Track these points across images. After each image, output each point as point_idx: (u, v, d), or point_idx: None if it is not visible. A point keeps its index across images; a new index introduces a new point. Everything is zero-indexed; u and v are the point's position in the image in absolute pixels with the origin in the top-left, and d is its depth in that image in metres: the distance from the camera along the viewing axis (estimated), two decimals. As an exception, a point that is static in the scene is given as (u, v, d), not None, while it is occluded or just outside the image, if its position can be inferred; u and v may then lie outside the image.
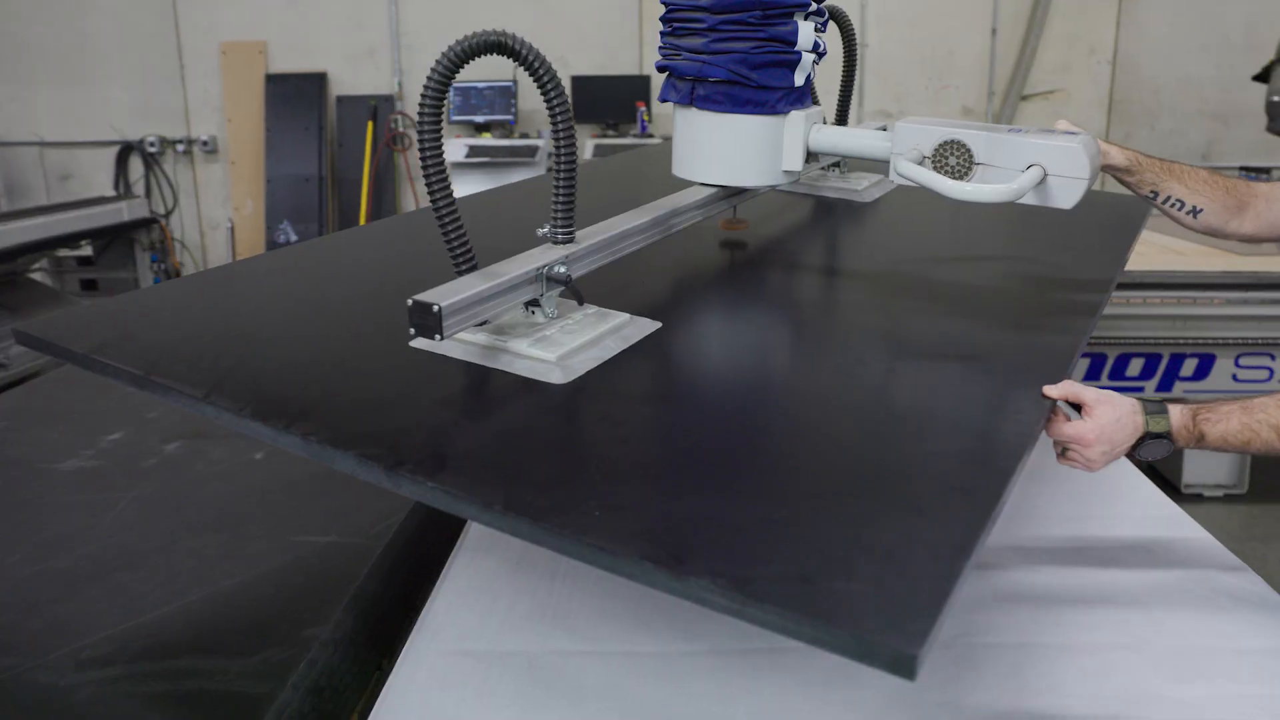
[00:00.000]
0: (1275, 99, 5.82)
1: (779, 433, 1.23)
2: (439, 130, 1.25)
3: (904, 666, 0.79)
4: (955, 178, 1.60)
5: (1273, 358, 4.29)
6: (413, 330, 1.22)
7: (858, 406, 1.33)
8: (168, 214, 7.21)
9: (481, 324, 1.31)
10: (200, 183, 7.38)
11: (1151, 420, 1.42)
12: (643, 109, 6.82)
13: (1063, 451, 1.46)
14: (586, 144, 6.71)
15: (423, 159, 1.26)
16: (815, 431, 1.25)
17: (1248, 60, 6.95)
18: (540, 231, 1.43)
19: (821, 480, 1.10)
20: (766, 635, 1.51)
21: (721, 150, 1.70)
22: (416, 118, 1.28)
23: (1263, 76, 5.96)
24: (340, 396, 1.22)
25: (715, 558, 0.90)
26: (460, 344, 1.30)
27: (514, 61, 1.28)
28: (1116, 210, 2.40)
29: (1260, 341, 4.25)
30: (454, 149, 6.63)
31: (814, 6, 1.67)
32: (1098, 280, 1.90)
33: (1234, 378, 4.31)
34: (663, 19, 1.70)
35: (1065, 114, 7.17)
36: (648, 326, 1.43)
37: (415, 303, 1.21)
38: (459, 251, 1.31)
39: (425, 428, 1.15)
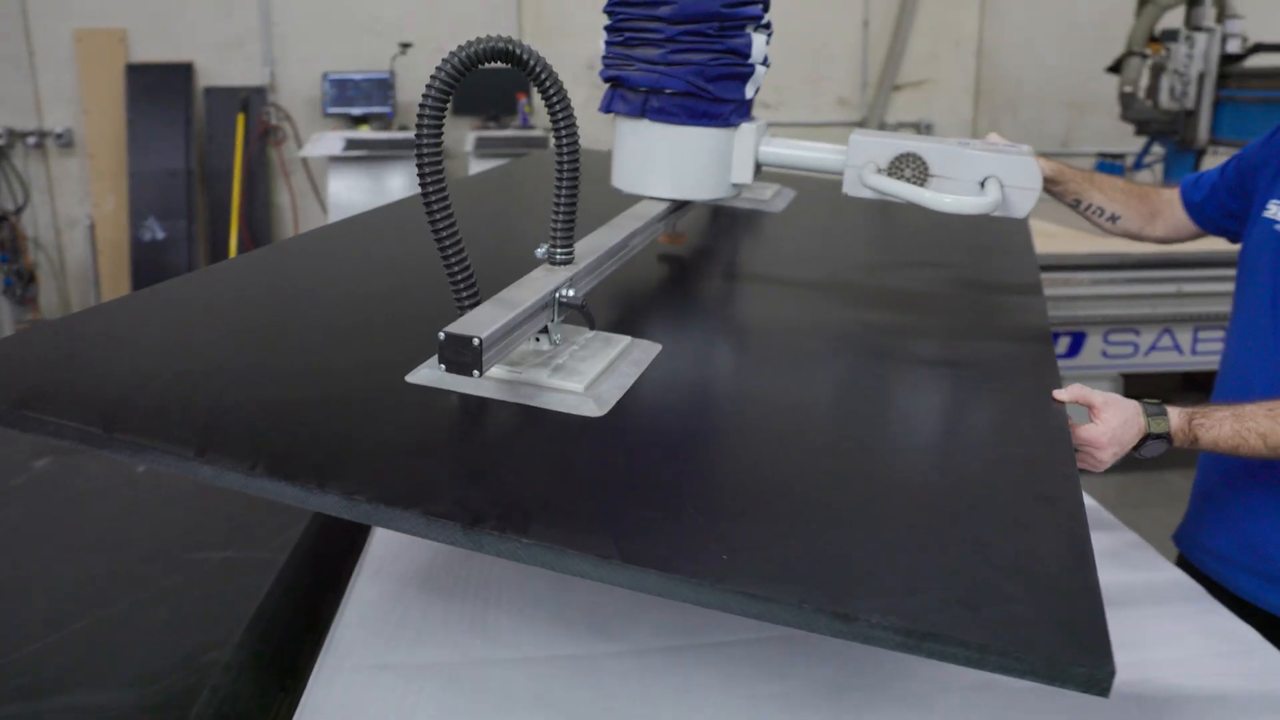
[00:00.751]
0: (1127, 89, 6.10)
1: (839, 454, 1.18)
2: (439, 148, 1.17)
3: (1100, 685, 0.80)
4: None
5: (1137, 333, 4.57)
6: (444, 366, 1.12)
7: (892, 420, 1.31)
8: (18, 211, 6.77)
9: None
10: (55, 178, 6.95)
11: (1153, 422, 1.49)
12: (523, 101, 6.72)
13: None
14: (468, 136, 6.59)
15: (421, 179, 1.17)
16: (868, 450, 1.21)
17: (1100, 52, 7.27)
18: (539, 252, 1.38)
19: (909, 500, 1.07)
20: (688, 632, 1.48)
21: (674, 163, 1.67)
22: (415, 134, 1.17)
23: (1115, 68, 6.23)
24: (359, 443, 1.10)
25: (873, 595, 0.87)
26: (469, 377, 1.20)
27: (522, 71, 1.23)
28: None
29: (1126, 319, 4.51)
30: (330, 142, 6.42)
31: (765, 19, 1.65)
32: (1027, 283, 1.96)
33: (1103, 354, 4.54)
34: (611, 29, 1.65)
35: (934, 103, 7.39)
36: (651, 349, 1.38)
37: (450, 336, 1.10)
38: (463, 281, 1.22)
39: (478, 475, 1.04)
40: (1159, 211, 1.99)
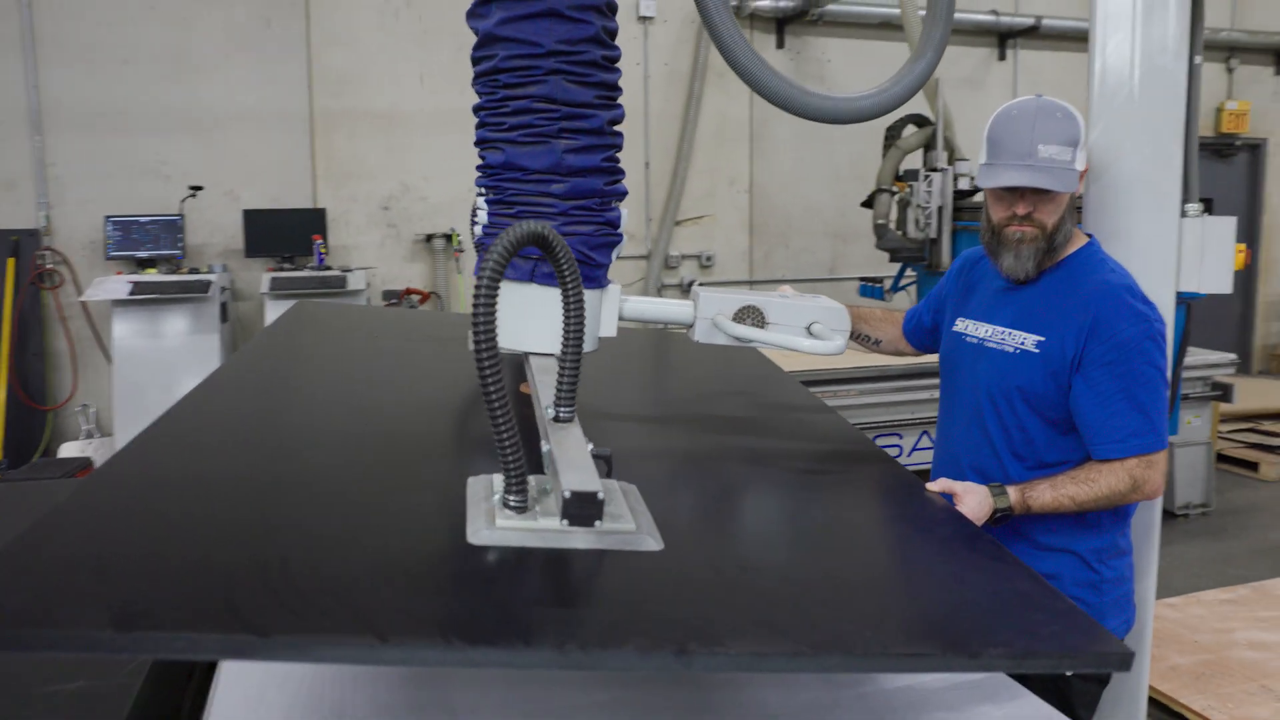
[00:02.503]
0: (880, 222, 6.71)
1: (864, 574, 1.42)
2: (494, 342, 1.22)
3: (1123, 661, 1.16)
4: None
5: (900, 436, 5.08)
6: (567, 520, 1.23)
7: (849, 523, 1.58)
8: None
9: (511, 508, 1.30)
10: None
11: (998, 499, 1.91)
12: (319, 242, 6.69)
13: None
14: (262, 277, 6.48)
15: (479, 362, 1.22)
16: (848, 550, 1.49)
17: (856, 189, 7.97)
18: (547, 410, 1.46)
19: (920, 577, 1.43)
20: (547, 705, 1.48)
21: (555, 321, 1.78)
22: (471, 332, 1.22)
23: (868, 203, 6.85)
24: (494, 602, 1.11)
25: (972, 641, 1.19)
26: (519, 531, 1.26)
27: (548, 254, 1.32)
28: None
29: (891, 424, 5.09)
30: (115, 286, 6.15)
31: (625, 194, 1.82)
32: (812, 404, 2.36)
33: (914, 448, 5.04)
34: (498, 201, 1.76)
35: (713, 236, 7.85)
36: (627, 487, 1.47)
37: (575, 494, 1.22)
38: (513, 457, 1.27)
39: (636, 611, 1.14)
40: (899, 337, 2.45)
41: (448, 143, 7.19)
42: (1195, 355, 5.48)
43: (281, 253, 6.75)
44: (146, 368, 6.23)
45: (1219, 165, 9.69)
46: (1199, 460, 5.80)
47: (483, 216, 1.79)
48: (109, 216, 6.47)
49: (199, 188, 6.58)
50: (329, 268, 6.71)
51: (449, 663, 1.03)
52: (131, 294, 6.12)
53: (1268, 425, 6.81)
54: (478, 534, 1.26)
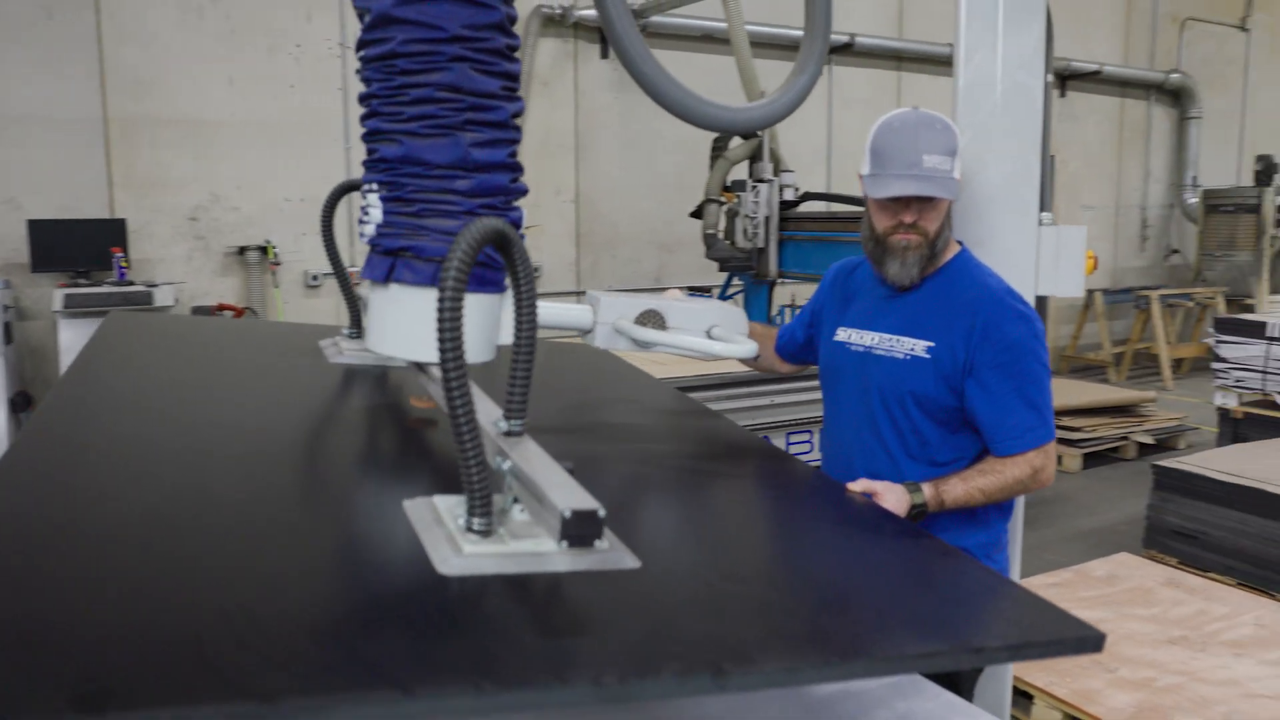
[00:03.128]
0: (709, 231, 6.76)
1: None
2: (462, 358, 1.12)
3: (1097, 643, 1.21)
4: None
5: (811, 433, 5.11)
6: (567, 542, 1.12)
7: (796, 541, 1.53)
8: None
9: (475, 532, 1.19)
10: None
11: (915, 496, 1.95)
12: (119, 255, 6.16)
13: None
14: (53, 294, 5.91)
15: (446, 380, 1.12)
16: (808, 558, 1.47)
17: (681, 199, 8.01)
18: (500, 424, 1.33)
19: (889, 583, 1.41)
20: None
21: (467, 329, 1.62)
22: (438, 347, 1.11)
23: (697, 213, 6.89)
24: (502, 637, 1.01)
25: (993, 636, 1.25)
26: (493, 558, 1.15)
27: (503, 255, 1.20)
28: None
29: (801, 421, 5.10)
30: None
31: (526, 191, 1.70)
32: (694, 408, 2.36)
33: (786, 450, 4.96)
34: (395, 199, 1.58)
35: (540, 247, 7.72)
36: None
37: (576, 514, 1.12)
38: (479, 478, 1.17)
39: (654, 634, 1.08)
40: (774, 355, 2.46)
41: (261, 150, 6.79)
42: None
43: (75, 267, 6.18)
44: (-81, 393, 5.61)
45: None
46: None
47: (376, 215, 1.60)
48: None
49: (-21, 197, 5.96)
50: (131, 282, 6.19)
51: (482, 710, 0.91)
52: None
53: (1066, 421, 7.22)
54: (446, 563, 1.14)
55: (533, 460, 1.25)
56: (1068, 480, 6.69)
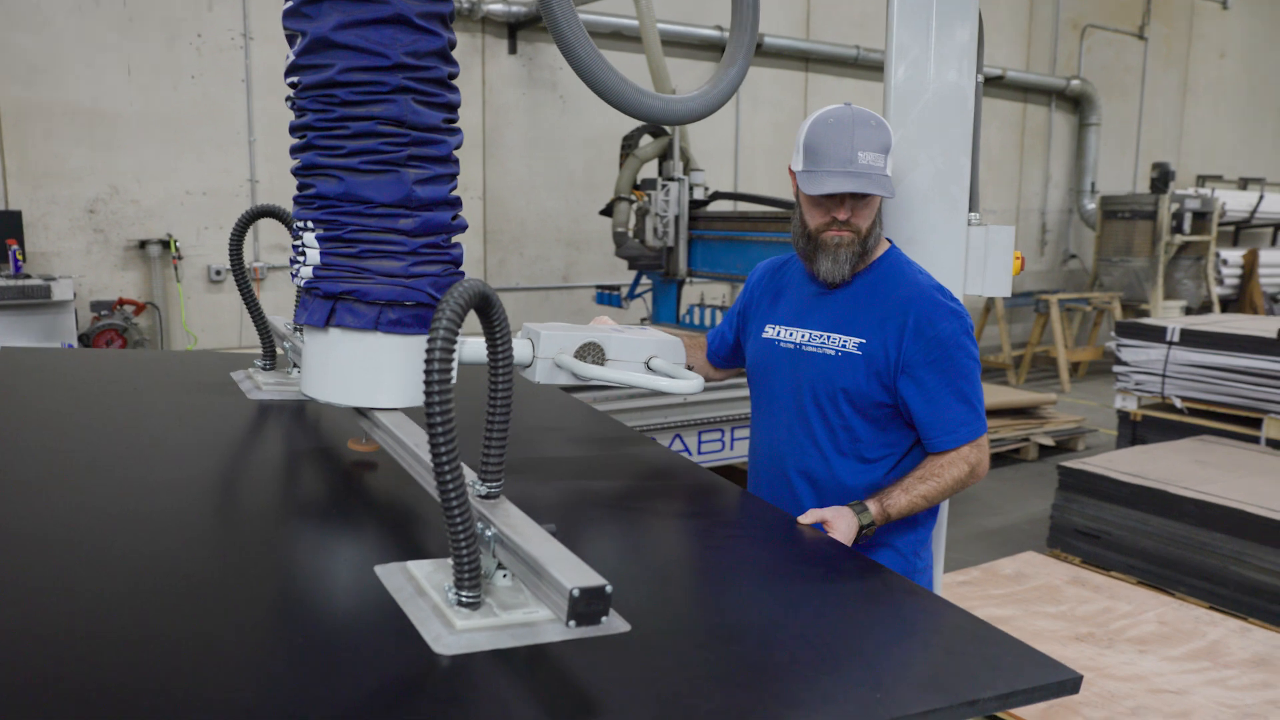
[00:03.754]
0: (619, 229, 6.73)
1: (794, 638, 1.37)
2: (452, 429, 1.09)
3: (1075, 685, 1.26)
4: None
5: (723, 431, 5.06)
6: (574, 621, 1.05)
7: (768, 592, 1.50)
8: None
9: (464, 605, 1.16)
10: None
11: (862, 517, 1.93)
12: (14, 247, 5.86)
13: None
14: (-57, 288, 5.59)
15: (436, 453, 1.09)
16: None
17: (589, 198, 7.96)
18: (476, 487, 1.27)
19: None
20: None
21: (404, 372, 1.57)
22: (425, 397, 1.08)
23: (607, 211, 6.86)
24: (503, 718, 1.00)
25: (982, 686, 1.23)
26: (487, 632, 1.13)
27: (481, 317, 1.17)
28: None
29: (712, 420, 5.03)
30: None
31: (466, 227, 1.65)
32: (626, 434, 2.34)
33: (699, 449, 4.99)
34: (333, 239, 1.52)
35: (449, 243, 7.58)
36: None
37: (584, 591, 1.04)
38: (468, 553, 1.15)
39: (666, 712, 1.07)
40: (706, 363, 2.43)
41: (161, 142, 6.53)
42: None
43: (-34, 261, 5.87)
44: None
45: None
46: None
47: (313, 256, 1.53)
48: None
49: None
50: (29, 275, 5.89)
51: None
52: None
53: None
54: (439, 640, 1.11)
55: (517, 526, 1.21)
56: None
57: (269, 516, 1.56)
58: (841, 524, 1.89)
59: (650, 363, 1.88)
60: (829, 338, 2.08)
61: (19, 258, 5.87)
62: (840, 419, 2.06)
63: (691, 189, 6.56)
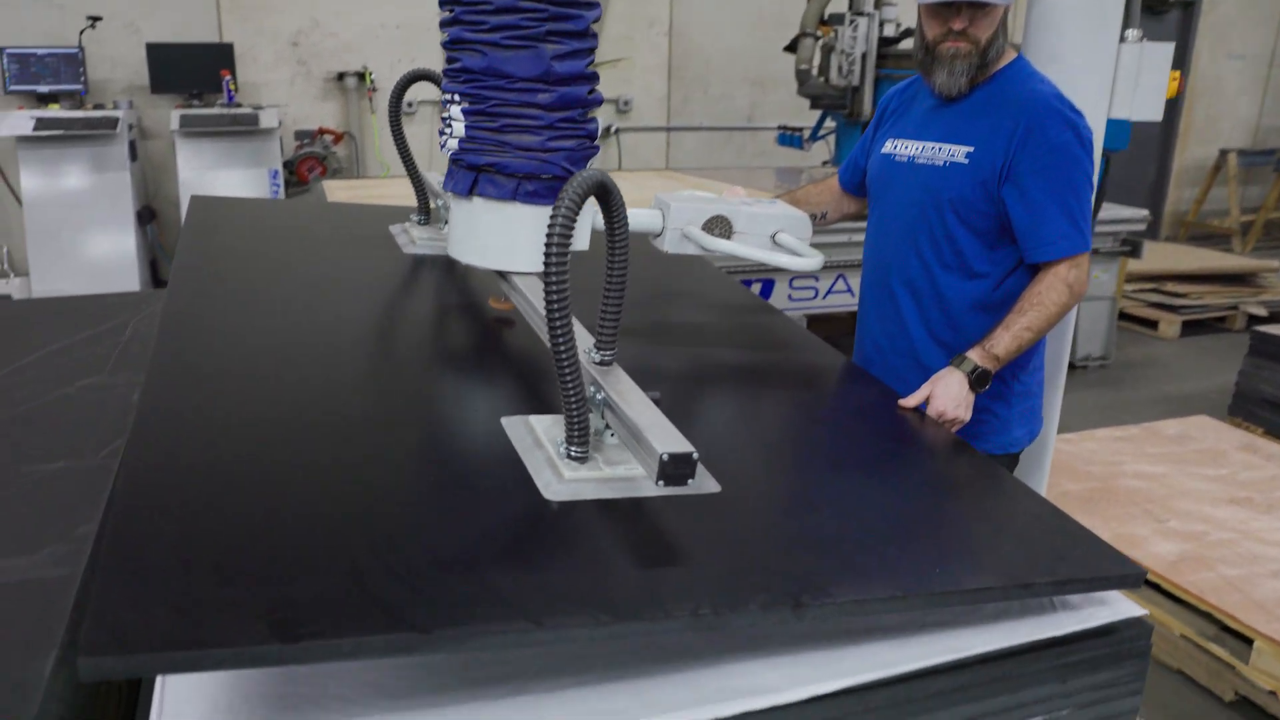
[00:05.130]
0: (802, 67, 6.50)
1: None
2: (567, 306, 1.20)
3: (1137, 580, 1.29)
4: None
5: (817, 279, 4.99)
6: (662, 482, 1.20)
7: (855, 469, 1.54)
8: None
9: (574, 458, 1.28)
10: None
11: (964, 365, 1.90)
12: (228, 78, 6.21)
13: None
14: (171, 115, 6.02)
15: (551, 323, 1.19)
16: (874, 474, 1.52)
17: (780, 33, 7.69)
18: (591, 354, 1.39)
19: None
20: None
21: (538, 239, 1.65)
22: (544, 293, 1.20)
23: (791, 47, 6.62)
24: (607, 568, 1.13)
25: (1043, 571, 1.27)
26: (591, 483, 1.25)
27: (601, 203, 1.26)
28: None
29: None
30: (18, 121, 5.67)
31: (601, 102, 1.69)
32: (752, 303, 2.35)
33: (789, 298, 4.95)
34: (477, 112, 1.59)
35: (631, 80, 7.54)
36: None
37: (672, 456, 1.18)
38: (579, 413, 1.26)
39: (739, 564, 1.16)
40: (842, 195, 2.40)
41: (360, -25, 6.68)
42: (1108, 210, 5.48)
43: (189, 89, 6.28)
44: (57, 208, 5.87)
45: (1151, 22, 9.48)
46: (1102, 315, 5.89)
47: (458, 129, 1.62)
48: (3, 49, 5.89)
49: (97, 18, 6.01)
50: (240, 105, 6.27)
51: (597, 638, 1.04)
52: (35, 130, 5.67)
53: (1170, 286, 6.92)
54: (549, 488, 1.24)
55: (625, 393, 1.31)
56: (1160, 346, 6.45)
57: (417, 363, 1.73)
58: (943, 392, 1.87)
59: (776, 237, 1.89)
60: (940, 149, 2.06)
61: (231, 88, 6.23)
62: (945, 231, 2.04)
63: (882, 25, 6.25)
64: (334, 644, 0.92)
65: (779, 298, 4.87)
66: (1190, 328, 6.72)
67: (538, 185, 1.59)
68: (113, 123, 5.84)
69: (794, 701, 1.08)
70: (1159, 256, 7.22)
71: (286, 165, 6.46)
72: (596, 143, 1.66)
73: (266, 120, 6.12)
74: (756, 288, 4.79)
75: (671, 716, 1.04)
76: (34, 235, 5.84)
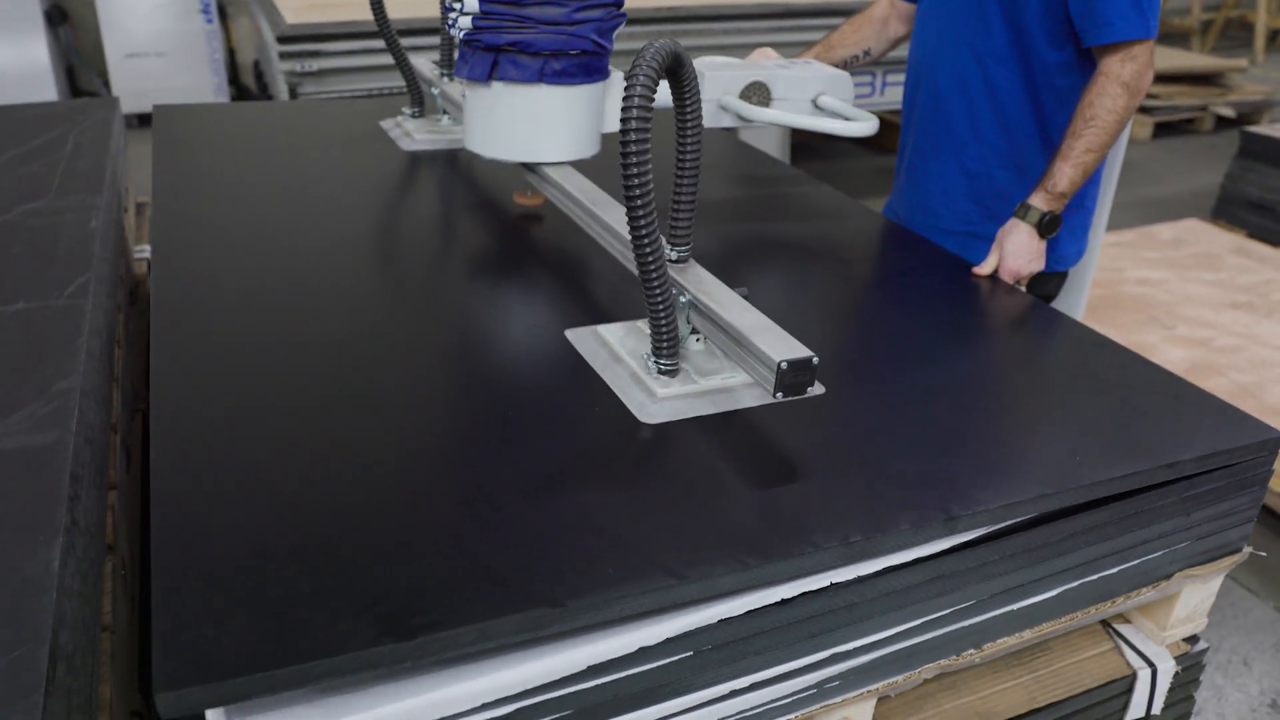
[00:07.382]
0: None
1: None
2: (649, 182, 1.03)
3: (1274, 446, 1.22)
4: None
5: (873, 76, 4.66)
6: (781, 394, 1.07)
7: (956, 353, 1.42)
8: None
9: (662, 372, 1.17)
10: None
11: (1030, 215, 1.78)
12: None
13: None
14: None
15: (634, 221, 1.04)
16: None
17: None
18: (666, 251, 1.24)
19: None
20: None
21: (572, 125, 1.51)
22: (623, 164, 1.03)
23: None
24: (735, 499, 1.01)
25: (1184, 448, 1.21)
26: (687, 399, 1.14)
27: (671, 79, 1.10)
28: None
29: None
30: None
31: None
32: (792, 174, 2.19)
33: None
34: (494, -9, 1.41)
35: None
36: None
37: (791, 363, 1.05)
38: (667, 322, 1.13)
39: (873, 481, 1.06)
40: (887, 18, 2.18)
41: None
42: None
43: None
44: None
45: None
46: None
47: (471, 4, 1.43)
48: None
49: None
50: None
51: (744, 585, 0.92)
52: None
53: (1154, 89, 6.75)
54: (644, 410, 1.12)
55: (711, 292, 1.18)
56: (1136, 148, 6.33)
57: (451, 277, 1.56)
58: (1010, 246, 1.77)
59: (818, 101, 1.74)
60: None
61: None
62: (1001, 19, 1.86)
63: None
64: (455, 634, 0.79)
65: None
66: (1162, 130, 6.62)
67: (566, 63, 1.42)
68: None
69: (937, 553, 1.02)
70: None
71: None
72: (624, 10, 1.49)
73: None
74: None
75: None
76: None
